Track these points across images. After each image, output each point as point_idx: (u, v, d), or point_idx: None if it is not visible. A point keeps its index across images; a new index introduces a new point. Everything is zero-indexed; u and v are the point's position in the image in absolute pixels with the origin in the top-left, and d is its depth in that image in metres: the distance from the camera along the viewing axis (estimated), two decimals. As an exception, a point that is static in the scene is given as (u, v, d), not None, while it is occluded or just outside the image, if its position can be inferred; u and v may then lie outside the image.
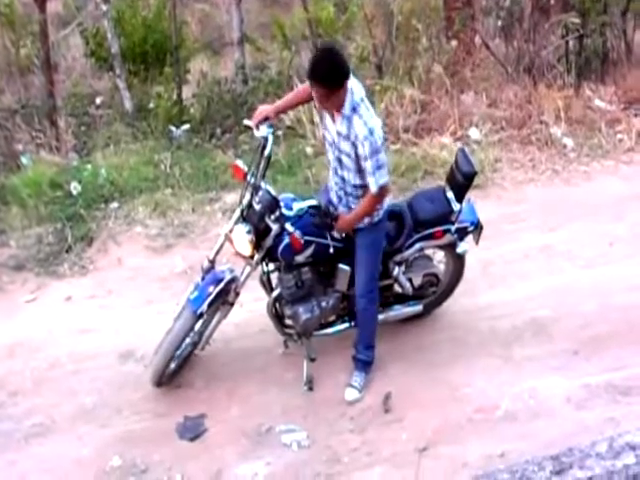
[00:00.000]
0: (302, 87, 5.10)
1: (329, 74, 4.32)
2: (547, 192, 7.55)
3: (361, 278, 5.03)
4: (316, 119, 8.46)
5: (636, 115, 9.04)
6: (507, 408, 5.00)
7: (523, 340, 5.54)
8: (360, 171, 4.63)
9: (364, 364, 5.23)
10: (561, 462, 3.77)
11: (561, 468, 3.53)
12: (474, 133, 8.38)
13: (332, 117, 4.60)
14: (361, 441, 4.79)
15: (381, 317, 5.36)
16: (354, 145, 4.50)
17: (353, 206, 4.85)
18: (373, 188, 4.59)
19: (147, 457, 4.73)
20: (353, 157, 4.58)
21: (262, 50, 11.68)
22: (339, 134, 4.58)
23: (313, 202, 5.23)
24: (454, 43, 9.53)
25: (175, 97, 9.61)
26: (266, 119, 4.92)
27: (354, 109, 4.45)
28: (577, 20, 9.72)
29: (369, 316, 5.17)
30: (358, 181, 4.72)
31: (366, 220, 4.86)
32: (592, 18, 9.79)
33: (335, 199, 4.99)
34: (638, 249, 6.54)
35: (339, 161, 4.72)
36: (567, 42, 9.92)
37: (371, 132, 4.45)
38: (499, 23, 10.49)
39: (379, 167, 4.53)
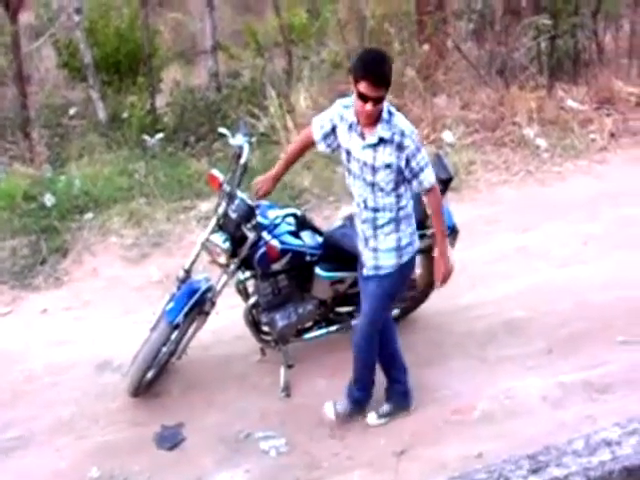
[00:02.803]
0: (301, 137, 4.92)
1: (391, 70, 4.08)
2: (521, 193, 7.60)
3: (359, 330, 4.85)
4: (290, 125, 8.48)
5: (608, 115, 9.12)
6: (484, 409, 5.01)
7: (499, 340, 5.56)
8: (397, 184, 4.36)
9: (354, 402, 5.01)
10: (538, 461, 3.78)
11: (538, 466, 3.53)
12: (447, 136, 8.43)
13: (362, 135, 4.31)
14: (340, 446, 4.78)
15: (356, 322, 5.37)
16: (399, 146, 4.24)
17: (382, 242, 4.53)
18: (427, 184, 4.37)
19: (125, 467, 4.69)
20: (395, 164, 4.27)
21: (235, 57, 11.68)
22: (378, 145, 4.26)
23: (290, 210, 5.26)
24: (426, 47, 9.59)
25: (149, 106, 9.63)
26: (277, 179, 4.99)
27: (389, 112, 4.26)
28: (548, 22, 9.81)
29: (361, 355, 4.92)
30: (393, 198, 4.41)
31: (394, 260, 4.57)
32: (563, 19, 9.90)
33: (361, 245, 4.67)
34: (612, 247, 6.59)
35: (372, 186, 4.37)
36: (539, 44, 10.00)
37: (413, 127, 4.35)
38: (471, 26, 10.60)
39: (427, 163, 4.35)
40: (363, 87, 4.04)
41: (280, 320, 5.13)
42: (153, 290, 6.23)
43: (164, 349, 5.04)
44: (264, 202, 5.23)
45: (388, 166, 4.29)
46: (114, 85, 11.07)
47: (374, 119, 4.21)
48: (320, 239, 5.27)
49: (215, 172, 5.07)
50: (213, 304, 5.12)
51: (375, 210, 4.46)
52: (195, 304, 5.01)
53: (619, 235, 6.81)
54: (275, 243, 4.95)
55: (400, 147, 4.25)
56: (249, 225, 4.90)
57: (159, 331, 4.96)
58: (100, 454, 4.81)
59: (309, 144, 4.80)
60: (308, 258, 5.15)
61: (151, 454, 4.82)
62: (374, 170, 4.33)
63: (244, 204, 4.94)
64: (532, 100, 8.95)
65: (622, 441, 3.49)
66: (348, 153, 4.44)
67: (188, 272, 5.12)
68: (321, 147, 4.69)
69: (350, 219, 5.35)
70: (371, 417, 4.99)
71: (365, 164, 4.35)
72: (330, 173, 7.94)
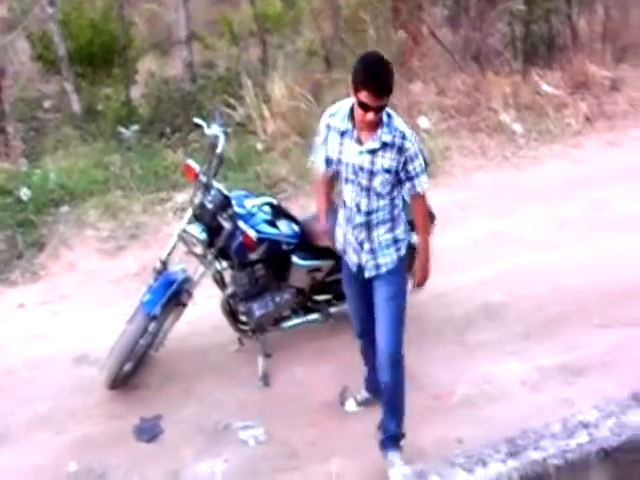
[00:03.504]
0: (321, 185, 4.63)
1: (393, 78, 3.89)
2: (497, 178, 7.63)
3: (388, 339, 4.36)
4: (266, 114, 8.46)
5: (583, 99, 9.16)
6: (463, 394, 5.02)
7: (477, 325, 5.59)
8: (393, 187, 4.19)
9: (395, 440, 4.52)
10: (516, 444, 3.82)
11: (516, 450, 3.57)
12: (423, 122, 8.43)
13: (359, 141, 4.11)
14: (318, 434, 4.79)
15: (334, 310, 5.39)
16: (400, 149, 4.06)
17: (378, 241, 4.32)
18: (420, 189, 4.21)
19: (104, 461, 4.67)
20: (394, 168, 4.10)
21: (210, 48, 11.64)
22: (378, 150, 4.07)
23: (266, 199, 5.25)
24: (402, 33, 9.56)
25: (124, 98, 9.57)
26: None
27: (388, 114, 4.05)
28: (523, 7, 9.83)
29: (399, 386, 4.48)
30: (387, 200, 4.24)
31: (394, 255, 4.38)
32: (537, 5, 9.95)
33: (352, 248, 4.43)
34: (587, 231, 6.64)
35: (368, 191, 4.18)
36: (513, 29, 10.02)
37: (411, 130, 4.19)
38: (446, 12, 10.59)
39: (423, 169, 4.21)
40: (364, 96, 3.83)
41: (258, 309, 5.13)
42: (130, 283, 6.19)
43: (141, 341, 5.02)
44: (240, 192, 5.23)
45: (387, 171, 4.12)
46: (89, 77, 10.97)
47: (375, 125, 4.02)
48: (297, 228, 5.27)
49: (191, 163, 5.06)
50: (190, 295, 5.11)
51: (369, 213, 4.26)
52: (172, 295, 4.99)
53: (594, 219, 6.86)
54: (252, 233, 4.94)
55: (400, 150, 4.07)
56: (225, 215, 4.90)
57: (136, 323, 4.93)
58: (78, 448, 4.78)
59: (326, 180, 4.57)
60: (285, 247, 5.15)
61: (130, 447, 4.79)
62: (371, 175, 4.14)
63: (220, 194, 4.94)
64: (507, 85, 8.99)
65: (599, 423, 3.53)
66: (339, 162, 4.24)
67: (165, 263, 5.10)
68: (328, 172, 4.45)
69: None
70: (350, 404, 5.00)
71: (361, 169, 4.15)
72: (307, 162, 7.91)
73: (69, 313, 6.02)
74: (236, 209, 4.96)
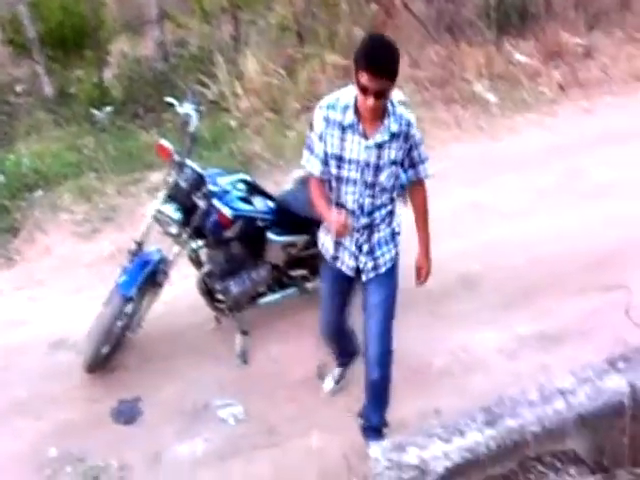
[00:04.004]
0: (317, 185, 4.12)
1: (397, 61, 3.65)
2: (472, 148, 7.62)
3: (381, 339, 4.28)
4: (239, 91, 8.41)
5: (556, 67, 9.15)
6: (441, 364, 5.06)
7: (454, 296, 5.59)
8: (396, 177, 4.00)
9: (377, 430, 4.50)
10: (492, 412, 3.80)
11: (492, 418, 3.54)
12: (397, 95, 8.37)
13: (364, 135, 3.85)
14: (297, 410, 4.80)
15: (310, 285, 5.38)
16: (406, 137, 3.88)
17: (378, 241, 4.17)
18: (423, 174, 4.09)
19: (83, 445, 4.66)
20: (400, 158, 3.92)
21: (182, 26, 11.52)
22: (387, 142, 3.85)
23: (240, 176, 5.22)
24: (374, 6, 9.52)
25: (96, 80, 9.47)
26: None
27: (392, 103, 3.86)
28: (495, -24, 9.78)
29: (388, 382, 4.42)
30: (389, 194, 4.05)
31: (393, 252, 4.25)
32: (510, -27, 9.87)
33: (349, 253, 4.21)
34: (563, 199, 6.65)
35: (373, 187, 3.96)
36: (487, -1, 9.97)
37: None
38: (418, -16, 10.51)
39: (427, 156, 4.08)
40: (364, 78, 3.60)
41: (234, 287, 5.11)
42: (106, 265, 6.14)
43: (118, 323, 4.99)
44: (214, 169, 5.20)
45: (394, 162, 3.92)
46: (60, 60, 10.83)
47: (380, 113, 3.80)
48: (271, 204, 5.26)
49: (164, 142, 5.02)
50: (166, 275, 5.08)
51: (371, 213, 4.06)
52: (148, 276, 4.97)
53: (570, 187, 6.87)
54: (226, 210, 4.92)
55: (407, 138, 3.89)
56: (199, 193, 4.87)
57: (112, 305, 4.91)
58: (57, 433, 4.77)
59: (322, 183, 4.14)
60: (260, 223, 5.14)
61: (109, 430, 4.79)
62: (378, 169, 3.91)
63: (194, 173, 4.91)
64: (481, 56, 8.98)
65: (576, 389, 3.51)
66: (340, 159, 3.93)
67: (140, 244, 5.08)
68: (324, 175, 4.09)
69: (302, 183, 5.33)
70: (327, 384, 4.98)
71: (367, 165, 3.90)
72: (281, 138, 7.90)
73: (45, 298, 5.98)
74: (210, 187, 4.93)
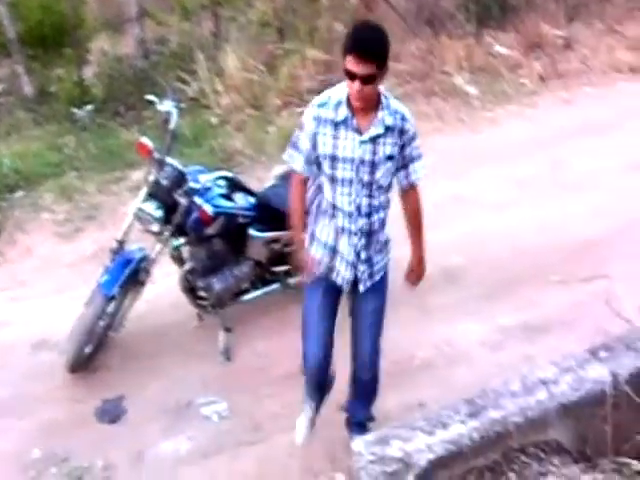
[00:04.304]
0: (299, 186, 4.04)
1: (384, 45, 3.56)
2: (454, 141, 7.63)
3: (373, 346, 4.26)
4: (219, 88, 8.39)
5: (537, 59, 9.17)
6: (424, 357, 5.07)
7: (436, 289, 5.57)
8: (392, 175, 3.85)
9: (362, 425, 4.47)
10: (475, 404, 3.80)
11: (475, 410, 3.54)
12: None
13: (358, 130, 3.71)
14: (281, 405, 4.79)
15: (293, 280, 5.37)
16: (401, 132, 3.73)
17: (375, 247, 4.03)
18: (415, 177, 3.91)
19: (67, 445, 4.64)
20: (395, 154, 3.77)
21: (163, 23, 11.48)
22: (381, 136, 3.71)
23: (221, 173, 5.20)
24: (354, 0, 9.51)
25: (76, 78, 9.42)
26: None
27: (385, 96, 3.73)
28: (475, -32, 9.79)
29: (378, 380, 4.42)
30: (386, 193, 3.91)
31: (386, 258, 4.14)
32: (490, -35, 9.88)
33: (346, 263, 4.03)
34: (544, 190, 6.66)
35: (370, 186, 3.80)
36: (466, -10, 9.98)
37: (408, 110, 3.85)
38: (398, -23, 10.49)
39: (421, 153, 3.90)
40: (349, 62, 3.50)
41: (217, 284, 5.11)
42: (88, 265, 6.10)
43: (101, 323, 4.98)
44: (195, 167, 5.19)
45: (390, 157, 3.76)
46: (40, 59, 10.78)
47: (371, 103, 3.66)
48: (253, 200, 5.25)
49: (144, 140, 5.00)
50: (148, 273, 5.07)
51: (369, 214, 3.89)
52: (130, 275, 4.95)
53: (551, 178, 6.89)
54: (207, 207, 4.90)
55: (401, 132, 3.73)
56: (181, 191, 4.87)
57: (94, 305, 4.89)
58: (41, 434, 4.75)
59: (304, 184, 4.04)
60: (241, 220, 5.15)
61: (93, 429, 4.77)
62: (373, 166, 3.76)
63: (174, 170, 4.90)
64: (461, 48, 8.99)
65: (558, 379, 3.51)
66: (333, 159, 3.78)
67: (122, 243, 5.06)
68: (308, 172, 3.97)
69: (283, 178, 5.33)
70: (299, 434, 4.56)
71: (362, 162, 3.75)
72: (262, 134, 7.90)
73: (27, 299, 5.94)
74: (191, 184, 4.92)
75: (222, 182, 5.23)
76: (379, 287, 4.15)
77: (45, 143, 8.06)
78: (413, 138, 3.80)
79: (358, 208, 3.85)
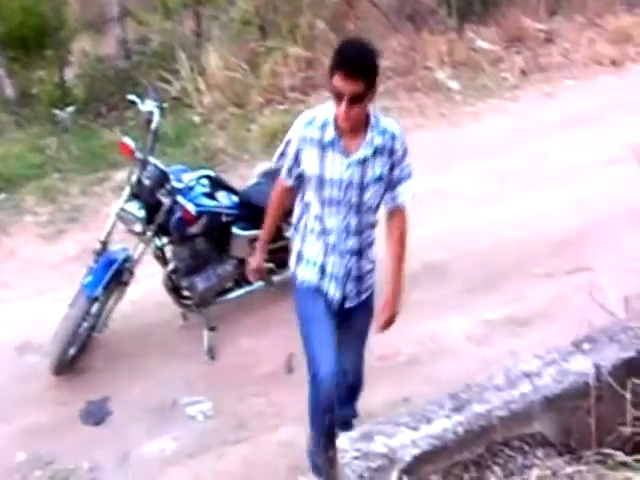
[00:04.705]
0: (278, 190, 3.99)
1: (373, 61, 3.42)
2: (436, 136, 7.65)
3: (357, 355, 4.22)
4: (202, 86, 8.39)
5: (518, 53, 9.20)
6: (409, 353, 5.07)
7: (420, 284, 5.55)
8: (381, 196, 3.74)
9: (347, 423, 4.34)
10: (459, 399, 3.81)
11: (460, 404, 3.55)
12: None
13: (346, 152, 3.59)
14: (266, 404, 4.79)
15: (277, 278, 5.36)
16: (390, 152, 3.60)
17: (365, 265, 3.92)
18: (401, 200, 3.76)
19: (52, 448, 4.61)
20: (385, 174, 3.65)
21: (144, 23, 11.45)
22: (370, 157, 3.58)
23: (204, 172, 5.19)
24: (336, -3, 9.52)
25: (58, 80, 9.40)
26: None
27: (375, 115, 3.61)
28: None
29: (362, 383, 4.39)
30: (377, 213, 3.82)
31: (373, 278, 4.01)
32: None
33: (335, 281, 3.90)
34: (527, 184, 6.68)
35: (358, 207, 3.69)
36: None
37: (399, 126, 3.72)
38: (379, -27, 10.49)
39: (411, 172, 3.74)
40: (337, 80, 3.36)
41: (200, 283, 5.09)
42: (71, 266, 6.08)
43: (84, 324, 4.97)
44: (178, 166, 5.18)
45: (379, 179, 3.65)
46: (22, 61, 10.75)
47: (359, 125, 3.55)
48: (236, 198, 5.25)
49: (126, 140, 5.00)
50: (132, 274, 5.06)
51: (359, 233, 3.79)
52: (113, 275, 4.93)
53: (534, 171, 6.91)
54: (190, 206, 4.88)
55: (391, 152, 3.61)
56: (163, 190, 4.87)
57: (78, 306, 4.87)
58: (26, 437, 4.71)
59: (285, 192, 3.97)
60: (225, 218, 5.14)
61: (78, 432, 4.75)
62: (362, 188, 3.64)
63: (157, 170, 4.89)
64: (443, 43, 9.02)
65: (541, 372, 3.52)
66: (321, 180, 3.66)
67: (104, 244, 5.05)
68: (290, 183, 3.90)
69: (266, 176, 5.32)
70: None
71: (350, 184, 3.62)
72: (244, 132, 7.89)
73: (11, 301, 5.91)
74: (174, 184, 4.91)
75: (205, 181, 5.22)
76: (366, 305, 4.06)
77: (27, 145, 8.05)
78: (403, 157, 3.67)
79: (347, 228, 3.76)
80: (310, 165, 3.68)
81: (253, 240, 5.22)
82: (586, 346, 3.48)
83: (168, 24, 10.64)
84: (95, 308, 4.98)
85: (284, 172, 3.88)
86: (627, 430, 3.15)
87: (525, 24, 9.64)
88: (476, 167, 6.96)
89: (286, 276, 5.38)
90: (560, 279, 5.55)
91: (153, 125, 4.86)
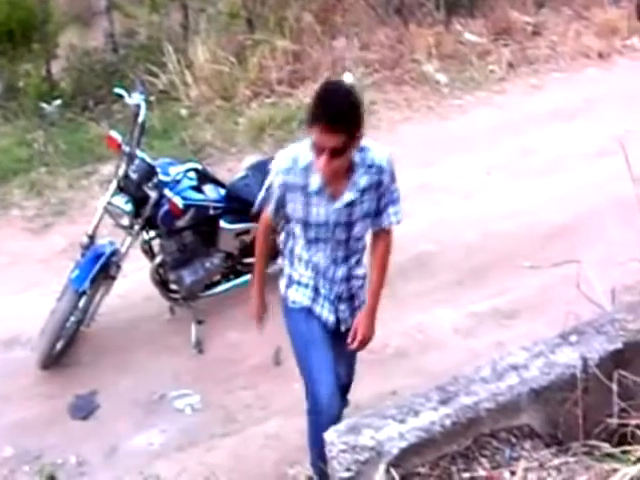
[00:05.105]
0: (263, 228, 3.85)
1: (357, 110, 3.24)
2: (423, 129, 7.65)
3: (347, 367, 4.16)
4: (189, 79, 8.37)
5: (506, 45, 9.20)
6: (396, 345, 5.07)
7: (407, 276, 5.58)
8: (369, 224, 3.64)
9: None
10: (447, 391, 3.81)
11: (447, 397, 3.55)
12: (348, 78, 8.33)
13: (332, 197, 3.47)
14: (254, 397, 4.80)
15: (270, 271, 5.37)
16: (378, 185, 3.46)
17: (356, 286, 3.82)
18: (387, 223, 3.62)
19: (40, 442, 4.61)
20: (373, 208, 3.54)
21: (131, 16, 11.41)
22: (358, 198, 3.47)
23: (191, 165, 5.19)
24: (323, -10, 9.50)
25: (44, 73, 9.37)
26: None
27: (361, 148, 3.39)
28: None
29: (351, 382, 4.32)
30: (364, 240, 3.74)
31: (365, 295, 3.84)
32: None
33: (328, 303, 3.80)
34: (515, 176, 6.69)
35: (346, 242, 3.61)
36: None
37: (387, 153, 3.53)
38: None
39: (398, 197, 3.61)
40: (316, 134, 3.19)
41: (188, 276, 5.10)
42: (58, 260, 6.05)
43: (72, 318, 4.97)
44: (165, 159, 5.18)
45: (367, 215, 3.56)
46: (8, 54, 10.69)
47: (343, 172, 3.38)
48: (223, 192, 5.24)
49: (113, 134, 5.00)
50: (119, 267, 5.06)
51: (347, 258, 3.69)
52: (101, 269, 4.93)
53: (521, 164, 6.91)
54: (177, 200, 4.88)
55: (378, 185, 3.47)
56: (150, 184, 4.88)
57: (65, 300, 4.87)
58: (14, 432, 4.72)
59: (270, 227, 3.85)
60: (212, 212, 5.14)
61: (66, 426, 4.75)
62: (350, 226, 3.56)
63: (144, 163, 4.90)
64: (430, 36, 9.00)
65: (528, 364, 3.52)
66: (306, 223, 3.57)
67: (92, 238, 5.05)
68: (276, 221, 3.79)
69: (253, 168, 5.32)
70: None
71: (338, 224, 3.53)
72: (232, 125, 7.87)
73: (-2, 296, 5.91)
74: (161, 177, 4.92)
75: (192, 174, 5.22)
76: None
77: (14, 139, 8.01)
78: (390, 183, 3.52)
79: (335, 261, 3.68)
80: (294, 210, 3.56)
81: (240, 234, 5.24)
82: (573, 338, 3.48)
83: (155, 17, 10.59)
84: (83, 302, 4.97)
85: (270, 213, 3.71)
86: (614, 422, 3.15)
87: (512, 17, 9.63)
88: (463, 160, 6.96)
89: (274, 269, 5.40)
90: (547, 271, 5.51)
91: (140, 118, 4.86)
